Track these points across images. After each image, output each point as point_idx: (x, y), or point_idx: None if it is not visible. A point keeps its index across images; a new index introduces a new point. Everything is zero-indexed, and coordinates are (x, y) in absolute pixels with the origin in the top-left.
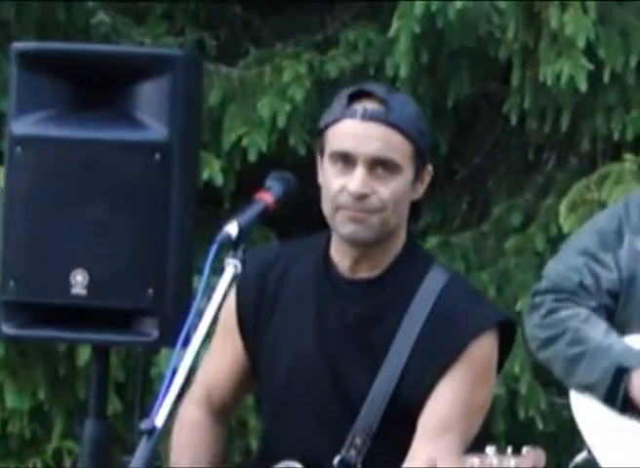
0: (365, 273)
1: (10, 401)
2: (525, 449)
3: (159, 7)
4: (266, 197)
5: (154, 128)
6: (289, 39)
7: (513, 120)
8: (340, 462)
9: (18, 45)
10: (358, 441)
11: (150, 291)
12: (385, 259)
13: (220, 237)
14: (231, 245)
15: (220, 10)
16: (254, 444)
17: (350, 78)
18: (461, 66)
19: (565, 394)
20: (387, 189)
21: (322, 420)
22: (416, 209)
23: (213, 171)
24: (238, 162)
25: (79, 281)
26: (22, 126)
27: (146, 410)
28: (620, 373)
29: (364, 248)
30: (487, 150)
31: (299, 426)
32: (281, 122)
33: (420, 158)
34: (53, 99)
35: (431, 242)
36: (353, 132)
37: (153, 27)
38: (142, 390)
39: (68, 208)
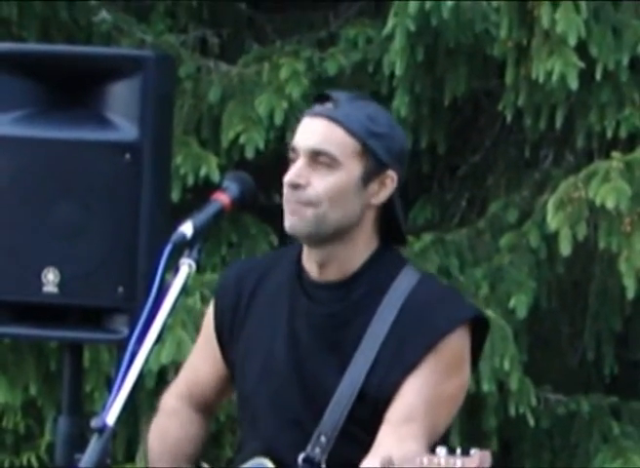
0: (332, 277)
1: (2, 396)
2: (473, 451)
3: (162, 4)
4: (222, 197)
5: (125, 128)
6: (292, 36)
7: (508, 117)
8: (305, 460)
9: None
10: (323, 439)
11: (121, 289)
12: (352, 263)
13: (174, 237)
14: (186, 245)
15: (223, 7)
16: None
17: (349, 76)
18: (458, 64)
19: (559, 390)
20: (323, 182)
21: (289, 421)
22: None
23: (210, 168)
24: (236, 159)
25: (50, 279)
26: None
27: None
28: None
29: (316, 246)
30: (487, 147)
31: (267, 428)
32: (278, 119)
33: (371, 159)
34: (24, 100)
35: (425, 239)
36: (300, 127)
37: (155, 25)
38: None
39: (40, 207)
